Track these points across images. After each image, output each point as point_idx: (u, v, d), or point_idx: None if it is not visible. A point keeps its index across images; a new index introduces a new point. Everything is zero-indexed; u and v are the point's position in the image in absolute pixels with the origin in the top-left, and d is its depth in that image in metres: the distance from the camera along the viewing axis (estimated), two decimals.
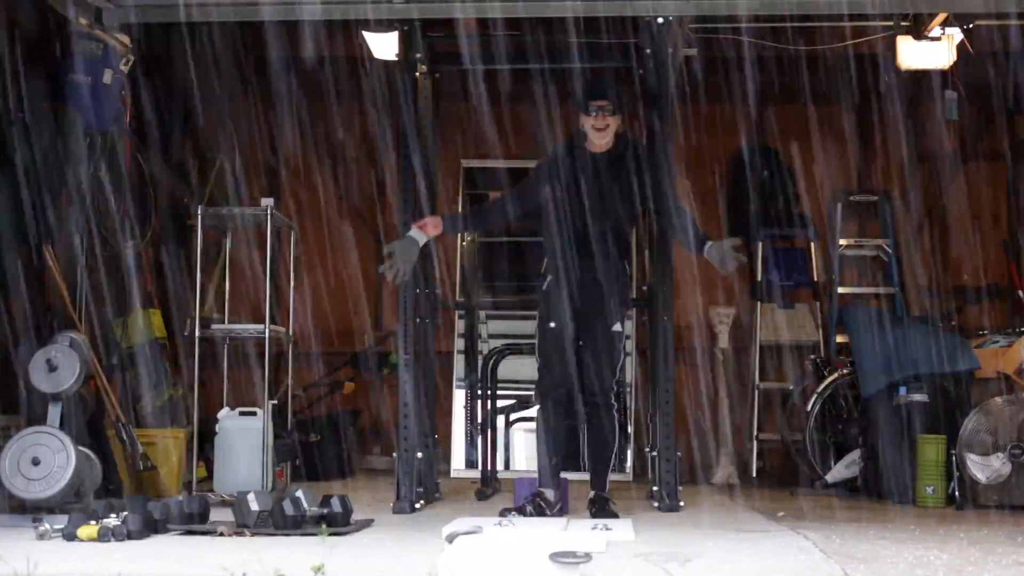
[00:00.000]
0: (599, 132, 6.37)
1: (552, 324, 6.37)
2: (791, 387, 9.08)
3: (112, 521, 5.15)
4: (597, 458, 6.46)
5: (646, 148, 6.64)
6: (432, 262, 7.64)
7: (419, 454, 6.84)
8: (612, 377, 6.42)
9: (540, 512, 6.28)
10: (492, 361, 8.05)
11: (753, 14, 7.70)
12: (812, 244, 9.85)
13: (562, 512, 6.49)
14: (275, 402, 7.76)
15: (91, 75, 7.46)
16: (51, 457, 5.80)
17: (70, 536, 5.09)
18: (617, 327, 6.43)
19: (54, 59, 7.52)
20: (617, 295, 6.45)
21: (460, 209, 9.83)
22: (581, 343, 6.42)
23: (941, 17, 8.09)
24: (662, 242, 6.95)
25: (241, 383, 8.19)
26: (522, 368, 8.74)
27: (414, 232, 6.39)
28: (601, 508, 6.30)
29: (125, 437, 7.25)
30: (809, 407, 8.50)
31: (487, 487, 7.76)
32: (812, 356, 9.08)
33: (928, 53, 8.54)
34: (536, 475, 6.52)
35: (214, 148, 9.80)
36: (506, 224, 8.05)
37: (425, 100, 7.58)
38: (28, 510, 5.74)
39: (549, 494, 6.36)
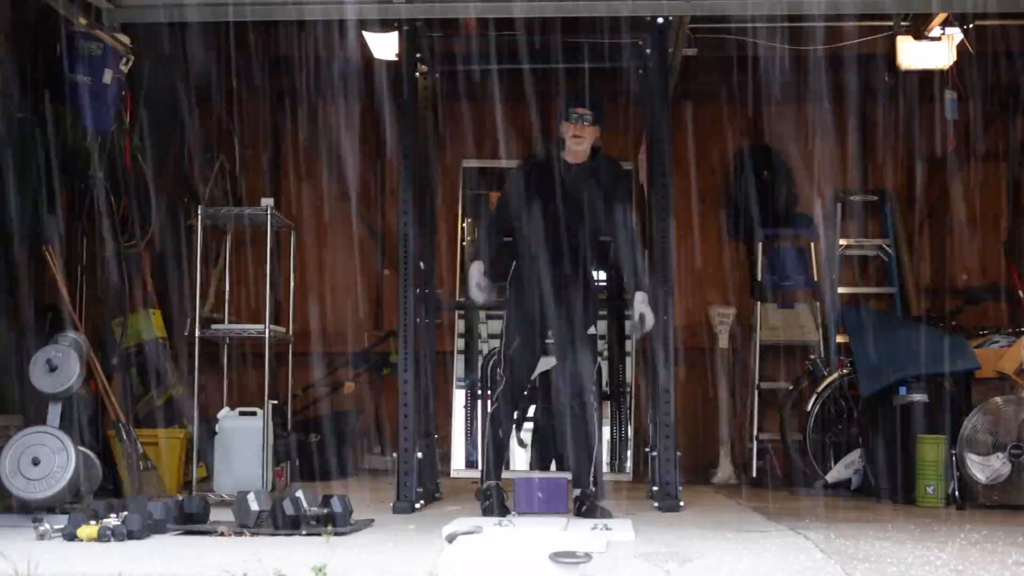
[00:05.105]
0: (576, 139, 6.45)
1: (519, 335, 6.45)
2: (790, 387, 9.08)
3: (112, 521, 5.16)
4: (579, 456, 6.47)
5: (615, 171, 6.63)
6: (432, 262, 7.64)
7: (419, 454, 6.85)
8: (590, 379, 6.48)
9: (504, 507, 6.38)
10: (492, 361, 8.05)
11: (752, 14, 7.71)
12: (812, 244, 9.84)
13: (562, 511, 6.50)
14: (275, 402, 7.76)
15: (91, 75, 7.46)
16: (51, 457, 5.80)
17: (70, 536, 5.09)
18: (592, 330, 6.50)
19: (54, 59, 7.51)
20: (590, 300, 6.54)
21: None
22: (554, 344, 6.50)
23: (941, 17, 8.09)
24: (662, 242, 6.95)
25: (241, 383, 8.19)
26: None
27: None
28: (589, 507, 6.31)
29: (125, 437, 7.25)
30: (809, 407, 8.51)
31: None
32: (812, 356, 9.08)
33: (928, 53, 8.54)
34: (535, 476, 6.52)
35: (214, 147, 9.79)
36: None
37: (425, 100, 7.58)
38: (28, 510, 5.74)
39: (501, 484, 6.51)
